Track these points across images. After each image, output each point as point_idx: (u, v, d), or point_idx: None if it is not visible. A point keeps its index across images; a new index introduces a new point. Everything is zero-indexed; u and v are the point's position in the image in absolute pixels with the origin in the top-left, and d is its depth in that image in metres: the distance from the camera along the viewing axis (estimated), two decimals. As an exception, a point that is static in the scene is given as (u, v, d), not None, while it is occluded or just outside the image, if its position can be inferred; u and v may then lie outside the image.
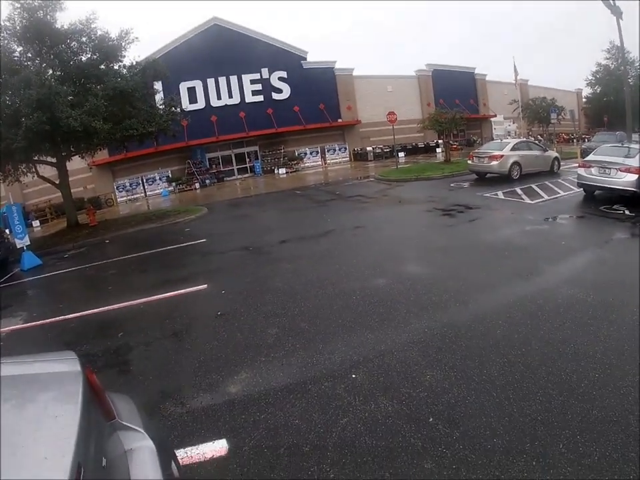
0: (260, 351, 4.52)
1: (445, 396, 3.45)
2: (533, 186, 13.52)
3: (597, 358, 3.77)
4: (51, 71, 15.23)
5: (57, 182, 17.47)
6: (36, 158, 16.22)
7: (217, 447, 3.14)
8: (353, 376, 3.85)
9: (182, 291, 6.99)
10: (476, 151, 17.30)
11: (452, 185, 16.22)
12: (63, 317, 6.53)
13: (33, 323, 6.60)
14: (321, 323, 5.06)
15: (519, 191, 12.91)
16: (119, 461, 1.65)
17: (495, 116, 42.23)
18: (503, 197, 12.42)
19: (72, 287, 9.21)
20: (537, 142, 18.66)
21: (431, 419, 3.20)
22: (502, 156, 15.16)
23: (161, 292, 7.02)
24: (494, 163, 15.27)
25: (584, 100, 55.42)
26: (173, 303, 6.57)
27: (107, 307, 6.69)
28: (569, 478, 2.59)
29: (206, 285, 7.09)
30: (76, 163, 23.60)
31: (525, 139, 21.10)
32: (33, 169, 17.31)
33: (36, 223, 24.91)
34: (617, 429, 2.91)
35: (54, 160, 16.89)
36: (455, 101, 36.70)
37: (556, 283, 5.66)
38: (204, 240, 11.26)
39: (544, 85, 50.00)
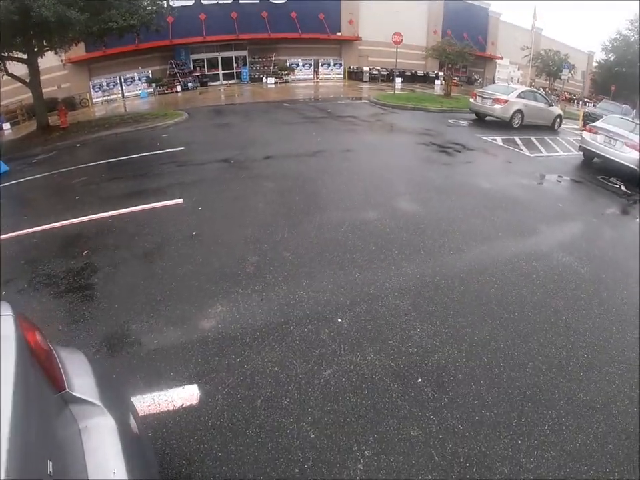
0: (238, 281, 4.13)
1: (435, 355, 3.22)
2: (532, 138, 12.97)
3: (587, 337, 3.63)
4: None
5: (28, 80, 15.72)
6: (5, 54, 14.36)
7: (187, 394, 2.82)
8: (339, 320, 3.56)
9: (155, 204, 6.39)
10: (480, 90, 16.36)
11: (450, 121, 15.46)
12: (25, 230, 5.85)
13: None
14: (306, 255, 4.68)
15: (518, 141, 12.37)
16: (70, 442, 1.26)
17: (502, 58, 40.13)
18: (501, 144, 11.86)
19: (38, 196, 8.35)
20: (543, 94, 17.78)
21: (420, 380, 2.98)
22: (507, 101, 14.37)
23: (132, 204, 6.40)
24: (497, 106, 14.49)
25: (594, 64, 53.15)
26: (145, 218, 5.98)
27: (72, 220, 6.03)
28: (551, 463, 2.46)
29: (181, 200, 6.50)
30: (49, 60, 21.22)
31: (532, 89, 20.13)
32: (2, 67, 15.42)
33: (6, 126, 22.88)
34: (600, 418, 2.81)
35: (25, 56, 15.03)
36: (463, 34, 34.57)
37: (551, 247, 5.42)
38: (182, 148, 10.41)
39: (555, 37, 47.30)
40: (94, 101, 27.89)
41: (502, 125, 14.50)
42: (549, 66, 39.18)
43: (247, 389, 2.84)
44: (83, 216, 6.12)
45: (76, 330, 3.51)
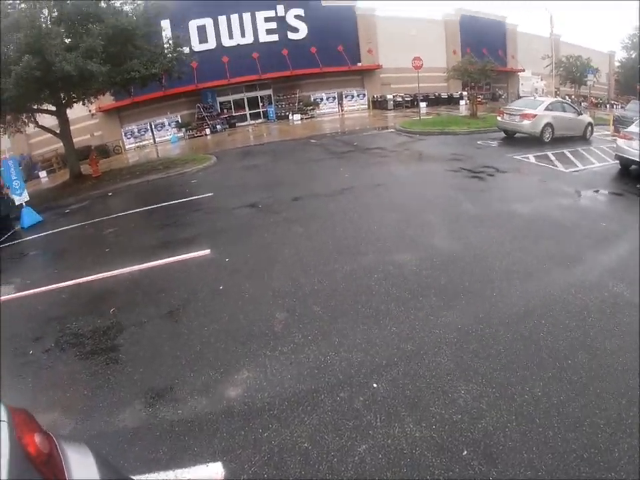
0: (266, 342, 3.99)
1: (482, 421, 2.92)
2: (566, 152, 12.49)
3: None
4: (46, 11, 13.77)
5: (58, 131, 16.63)
6: (35, 107, 15.28)
7: (212, 473, 2.66)
8: (374, 385, 3.32)
9: (182, 256, 6.44)
10: (507, 107, 16.06)
11: (479, 142, 15.13)
12: (55, 285, 6.06)
13: (24, 293, 6.08)
14: (337, 308, 4.49)
15: (551, 156, 11.93)
16: None
17: (524, 70, 39.55)
18: (534, 161, 11.47)
19: (69, 248, 8.66)
20: (571, 104, 17.26)
21: (465, 452, 2.69)
22: (535, 115, 13.99)
23: (159, 256, 6.52)
24: (525, 122, 14.12)
25: (617, 64, 51.37)
26: (172, 271, 6.06)
27: (102, 274, 6.19)
28: None
29: (209, 251, 6.54)
30: (81, 110, 22.71)
31: (559, 99, 19.62)
32: (32, 119, 16.41)
33: (43, 174, 24.68)
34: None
35: (54, 108, 15.95)
36: (483, 50, 34.37)
37: (599, 275, 4.98)
38: (210, 194, 10.66)
39: (574, 42, 46.23)
40: (127, 147, 29.37)
41: (532, 141, 14.12)
42: (573, 72, 38.23)
43: (275, 468, 2.65)
44: (112, 270, 6.28)
45: (100, 396, 3.50)
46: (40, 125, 16.71)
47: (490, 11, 40.46)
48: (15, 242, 9.65)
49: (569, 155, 12.18)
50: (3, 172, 11.58)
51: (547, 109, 14.42)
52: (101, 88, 14.94)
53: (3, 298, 5.89)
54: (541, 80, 38.01)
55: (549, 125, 14.08)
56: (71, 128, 27.71)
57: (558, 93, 40.60)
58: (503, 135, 15.87)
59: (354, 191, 9.33)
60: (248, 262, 6.05)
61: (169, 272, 6.02)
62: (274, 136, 24.49)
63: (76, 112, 27.31)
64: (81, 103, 17.48)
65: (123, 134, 29.79)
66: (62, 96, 15.46)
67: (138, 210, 10.33)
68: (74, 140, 29.35)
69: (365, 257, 5.77)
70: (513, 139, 15.21)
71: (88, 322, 4.80)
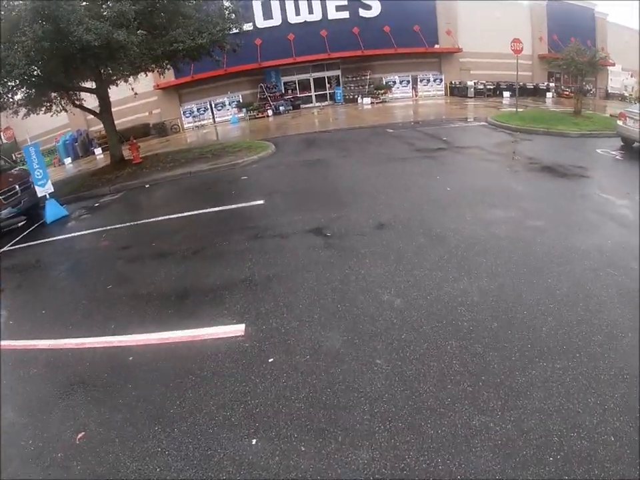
0: None
1: None
2: None
3: None
4: None
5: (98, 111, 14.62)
6: (70, 84, 13.21)
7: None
8: None
9: (203, 332, 3.91)
10: (631, 110, 12.05)
11: (599, 151, 11.28)
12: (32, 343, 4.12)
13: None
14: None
15: None
16: None
17: (614, 65, 33.82)
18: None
19: (74, 271, 6.58)
20: None
21: None
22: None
23: (173, 323, 4.18)
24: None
25: None
26: (191, 355, 3.62)
27: (94, 341, 4.07)
28: None
29: (242, 329, 3.88)
30: (142, 86, 21.17)
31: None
32: (68, 98, 14.41)
33: (98, 151, 23.95)
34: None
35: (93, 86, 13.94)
36: (571, 39, 29.26)
37: None
38: (261, 202, 7.93)
39: None
40: (185, 126, 27.86)
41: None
42: None
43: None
44: (114, 333, 4.17)
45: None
46: (78, 104, 14.67)
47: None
48: (30, 244, 8.20)
49: None
50: (26, 160, 10.09)
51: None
52: (139, 62, 12.15)
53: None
54: (631, 76, 32.88)
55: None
56: (128, 105, 26.67)
57: (646, 92, 35.02)
58: (619, 142, 12.02)
59: (460, 212, 6.31)
60: (301, 355, 3.34)
61: (187, 356, 3.60)
62: (342, 121, 21.44)
63: (136, 88, 26.05)
64: (123, 81, 15.28)
65: (182, 113, 28.09)
66: (101, 72, 13.23)
67: (168, 217, 7.88)
68: (133, 117, 28.47)
69: (504, 361, 2.86)
70: (633, 150, 11.38)
71: None
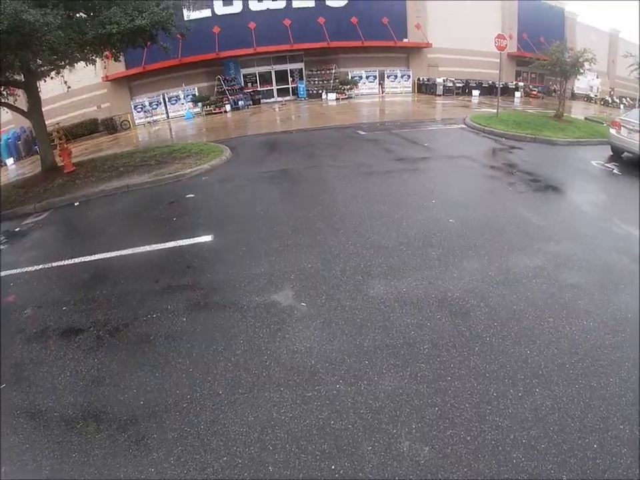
0: None
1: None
2: None
3: None
4: None
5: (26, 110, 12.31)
6: None
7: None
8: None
9: None
10: (625, 119, 11.01)
11: (594, 163, 10.23)
12: None
13: None
14: None
15: None
16: None
17: (583, 66, 34.00)
18: None
19: None
20: None
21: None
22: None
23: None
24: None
25: None
26: None
27: None
28: None
29: None
30: (88, 78, 18.53)
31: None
32: None
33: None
34: None
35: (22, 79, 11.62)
36: (540, 38, 28.70)
37: None
38: (208, 238, 6.09)
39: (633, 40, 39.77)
40: (136, 122, 25.39)
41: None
42: None
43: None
44: None
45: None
46: (4, 102, 12.18)
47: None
48: None
49: None
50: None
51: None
52: (64, 49, 9.73)
53: None
54: (597, 77, 33.25)
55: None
56: (76, 99, 23.81)
57: (612, 93, 35.79)
58: (608, 150, 11.06)
59: (482, 264, 4.80)
60: None
61: None
62: (307, 120, 19.64)
63: (83, 80, 23.47)
64: (55, 73, 12.90)
65: (133, 107, 25.52)
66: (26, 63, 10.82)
67: (86, 260, 5.93)
68: (80, 112, 25.45)
69: None
70: (621, 159, 10.48)
71: None
